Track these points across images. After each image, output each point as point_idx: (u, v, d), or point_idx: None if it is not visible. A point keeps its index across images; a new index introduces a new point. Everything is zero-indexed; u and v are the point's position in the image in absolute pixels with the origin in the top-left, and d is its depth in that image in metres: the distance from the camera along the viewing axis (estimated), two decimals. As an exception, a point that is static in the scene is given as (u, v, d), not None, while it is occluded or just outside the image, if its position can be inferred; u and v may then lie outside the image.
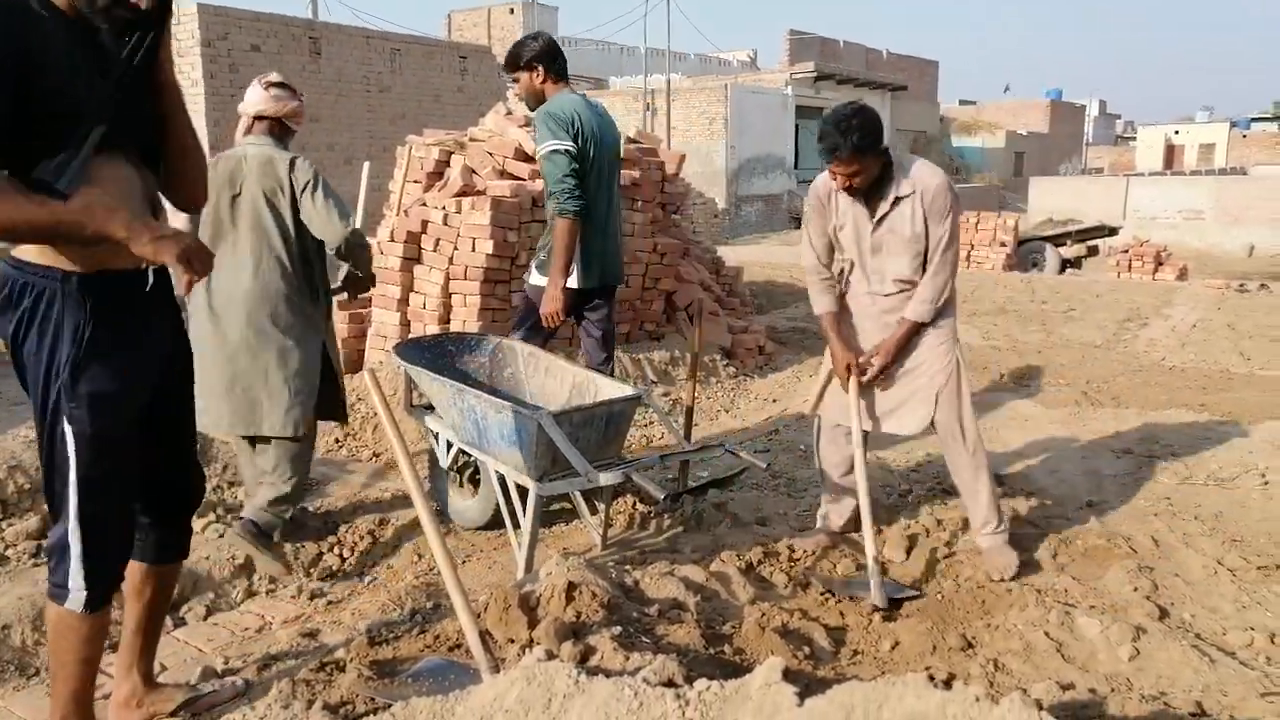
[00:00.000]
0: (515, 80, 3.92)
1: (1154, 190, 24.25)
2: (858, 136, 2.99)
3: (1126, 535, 3.50)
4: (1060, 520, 3.69)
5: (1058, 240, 15.98)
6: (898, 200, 3.15)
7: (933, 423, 3.27)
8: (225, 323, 3.42)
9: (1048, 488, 4.11)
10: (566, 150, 3.68)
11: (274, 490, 3.51)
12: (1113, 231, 16.58)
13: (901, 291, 3.26)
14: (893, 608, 3.00)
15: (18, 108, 1.78)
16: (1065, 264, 15.61)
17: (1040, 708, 1.62)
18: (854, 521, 3.38)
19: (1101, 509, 3.82)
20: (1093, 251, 16.22)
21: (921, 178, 3.15)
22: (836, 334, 3.32)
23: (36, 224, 1.81)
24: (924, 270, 3.21)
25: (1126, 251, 14.98)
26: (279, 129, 3.50)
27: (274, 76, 3.54)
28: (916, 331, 3.21)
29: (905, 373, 3.29)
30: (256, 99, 3.47)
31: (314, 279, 3.56)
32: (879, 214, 3.18)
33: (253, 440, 3.59)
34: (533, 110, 3.92)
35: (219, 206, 3.41)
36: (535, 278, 3.93)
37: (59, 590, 2.04)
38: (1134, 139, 51.96)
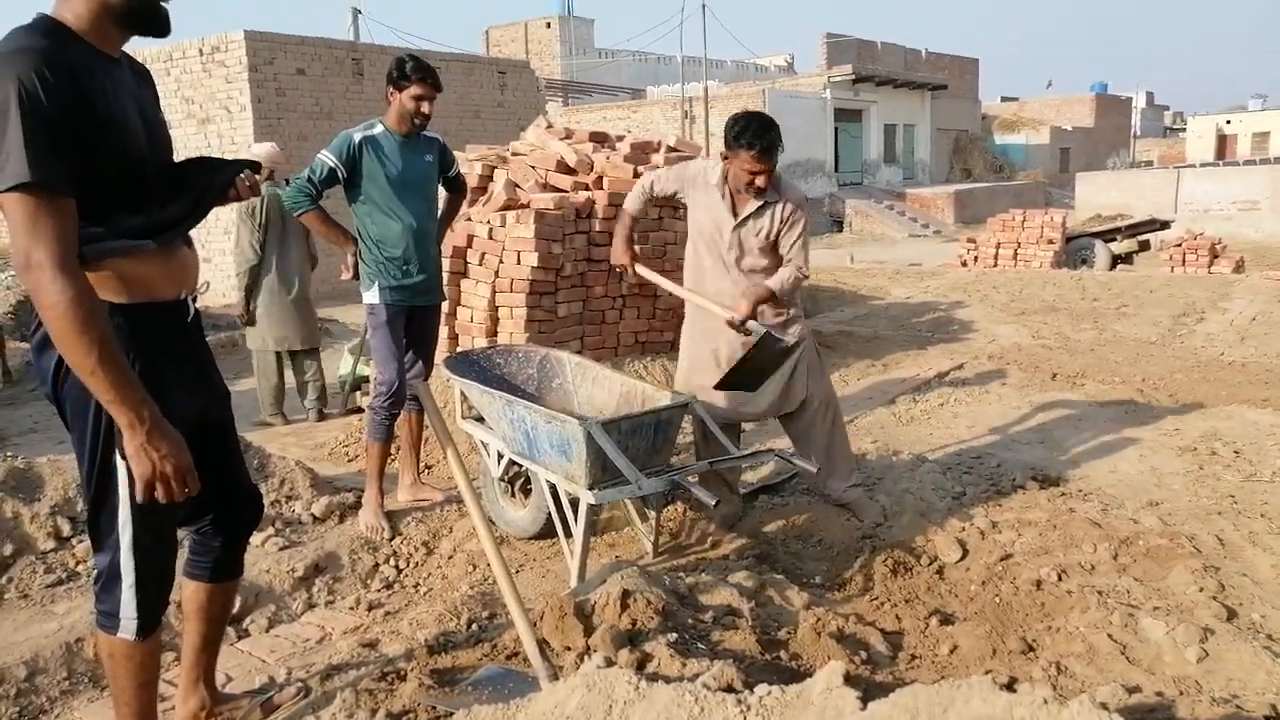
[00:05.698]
0: (433, 99, 3.73)
1: (1207, 181, 23.65)
2: (779, 140, 3.29)
3: (1190, 535, 3.41)
4: (1121, 520, 3.61)
5: (1107, 236, 15.64)
6: (765, 205, 3.44)
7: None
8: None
9: (1106, 487, 4.03)
10: None
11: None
12: (1164, 225, 16.19)
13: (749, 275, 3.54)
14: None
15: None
16: (1116, 260, 15.26)
17: (1108, 710, 1.59)
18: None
19: (1163, 508, 3.73)
20: (1144, 246, 15.84)
21: (785, 191, 3.48)
22: (627, 234, 3.71)
23: (98, 357, 1.72)
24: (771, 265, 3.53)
25: (1180, 245, 14.57)
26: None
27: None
28: (771, 296, 3.44)
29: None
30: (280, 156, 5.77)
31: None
32: (744, 214, 3.47)
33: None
34: (421, 129, 3.79)
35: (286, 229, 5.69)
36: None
37: (109, 620, 2.04)
38: (1184, 130, 50.72)
